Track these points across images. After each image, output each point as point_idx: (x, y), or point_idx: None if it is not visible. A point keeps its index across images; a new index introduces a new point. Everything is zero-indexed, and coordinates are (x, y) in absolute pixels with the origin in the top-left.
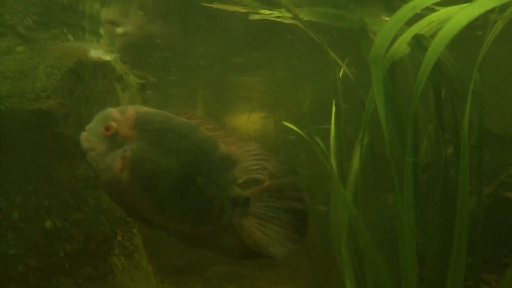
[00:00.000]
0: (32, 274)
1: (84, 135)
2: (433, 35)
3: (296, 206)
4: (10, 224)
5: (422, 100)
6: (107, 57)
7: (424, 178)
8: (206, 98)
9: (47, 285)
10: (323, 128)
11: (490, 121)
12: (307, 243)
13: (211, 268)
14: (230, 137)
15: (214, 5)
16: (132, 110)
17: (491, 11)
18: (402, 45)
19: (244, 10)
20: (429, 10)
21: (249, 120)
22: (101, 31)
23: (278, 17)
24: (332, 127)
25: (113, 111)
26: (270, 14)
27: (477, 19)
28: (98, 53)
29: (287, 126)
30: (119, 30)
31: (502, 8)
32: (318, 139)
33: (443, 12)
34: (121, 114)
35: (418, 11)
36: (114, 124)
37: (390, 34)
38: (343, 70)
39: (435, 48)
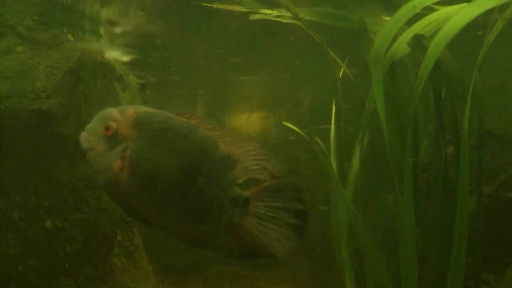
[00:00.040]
0: (32, 274)
1: (83, 135)
2: (433, 35)
3: (296, 206)
4: (10, 224)
5: (422, 100)
6: (124, 58)
7: (424, 178)
8: (206, 98)
9: (47, 285)
10: (323, 128)
11: (490, 121)
12: (307, 243)
13: (211, 268)
14: (230, 137)
15: (214, 5)
16: (132, 110)
17: (492, 11)
18: (402, 45)
19: (244, 10)
20: (430, 9)
21: (249, 120)
22: (101, 31)
23: (278, 16)
24: (332, 127)
25: (113, 111)
26: (270, 14)
27: (478, 18)
28: (114, 54)
29: (287, 126)
30: (118, 29)
31: (501, 8)
32: (318, 139)
33: (443, 12)
34: (121, 114)
35: (418, 11)
36: (113, 124)
37: (390, 34)
38: (344, 70)
39: (435, 48)
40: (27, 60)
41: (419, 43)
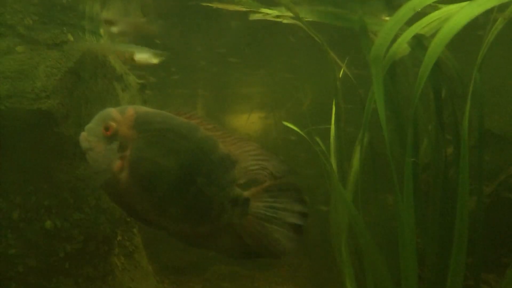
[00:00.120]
0: (32, 274)
1: (83, 135)
2: (433, 35)
3: (296, 207)
4: (10, 224)
5: (422, 100)
6: (154, 60)
7: (424, 178)
8: (206, 98)
9: (47, 285)
10: (323, 128)
11: (490, 121)
12: (307, 243)
13: (211, 268)
14: (230, 137)
15: (214, 5)
16: (131, 110)
17: (492, 10)
18: (402, 45)
19: (244, 9)
20: (431, 7)
21: (249, 120)
22: (101, 31)
23: (277, 17)
24: (332, 127)
25: (112, 111)
26: (270, 14)
27: (479, 18)
28: (144, 56)
29: (287, 126)
30: (115, 29)
31: (501, 8)
32: (318, 139)
33: (443, 11)
34: (120, 114)
35: (419, 10)
36: (113, 124)
37: (390, 34)
38: (344, 70)
39: (435, 48)
40: (27, 60)
41: (419, 43)
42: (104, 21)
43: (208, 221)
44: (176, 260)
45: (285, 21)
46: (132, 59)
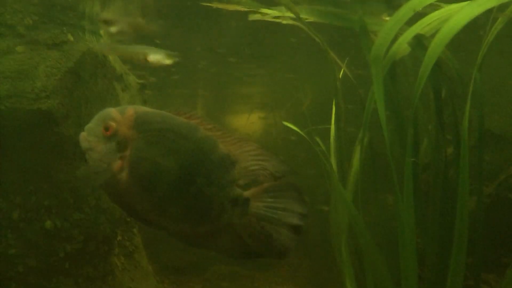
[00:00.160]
0: (32, 274)
1: (83, 135)
2: (434, 35)
3: (296, 207)
4: (10, 224)
5: (422, 100)
6: (167, 61)
7: (424, 178)
8: (206, 98)
9: (47, 285)
10: (323, 128)
11: (490, 121)
12: (307, 243)
13: (211, 268)
14: (230, 137)
15: (214, 5)
16: (131, 110)
17: (493, 10)
18: (402, 45)
19: (244, 9)
20: (431, 7)
21: (249, 120)
22: (101, 31)
23: (277, 17)
24: (332, 127)
25: (112, 111)
26: (269, 14)
27: (479, 18)
28: (157, 57)
29: (287, 126)
30: (113, 29)
31: (501, 8)
32: (318, 139)
33: (443, 11)
34: (120, 114)
35: (420, 9)
36: (113, 124)
37: (391, 34)
38: (344, 70)
39: (435, 48)
40: (27, 60)
41: (420, 43)
42: (102, 21)
43: (208, 221)
44: (176, 260)
45: (284, 21)
46: (146, 60)
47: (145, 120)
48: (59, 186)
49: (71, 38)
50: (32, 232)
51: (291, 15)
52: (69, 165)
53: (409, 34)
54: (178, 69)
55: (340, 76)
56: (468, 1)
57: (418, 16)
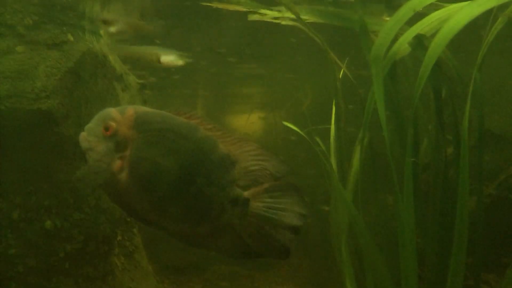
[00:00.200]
0: (32, 274)
1: (83, 135)
2: (434, 34)
3: (296, 207)
4: (10, 224)
5: (422, 100)
6: (179, 62)
7: (424, 178)
8: (206, 98)
9: (47, 285)
10: (323, 128)
11: (490, 121)
12: (307, 243)
13: (211, 268)
14: (230, 137)
15: (214, 4)
16: (131, 110)
17: (492, 11)
18: (402, 45)
19: (244, 9)
20: (431, 7)
21: (249, 120)
22: (101, 31)
23: (276, 18)
24: (332, 127)
25: (112, 111)
26: (269, 14)
27: (480, 18)
28: (169, 58)
29: (287, 126)
30: (112, 28)
31: (501, 8)
32: (318, 139)
33: (443, 11)
34: (120, 114)
35: (420, 9)
36: (113, 124)
37: (391, 34)
38: (344, 70)
39: (435, 48)
40: (27, 60)
41: (420, 43)
42: (101, 21)
43: (208, 221)
44: (176, 260)
45: (283, 22)
46: (158, 61)
47: (145, 120)
48: (59, 186)
49: (71, 38)
50: (32, 232)
51: (291, 15)
52: (69, 165)
53: (409, 34)
54: (178, 69)
55: (340, 76)
56: (468, 1)
57: (418, 16)
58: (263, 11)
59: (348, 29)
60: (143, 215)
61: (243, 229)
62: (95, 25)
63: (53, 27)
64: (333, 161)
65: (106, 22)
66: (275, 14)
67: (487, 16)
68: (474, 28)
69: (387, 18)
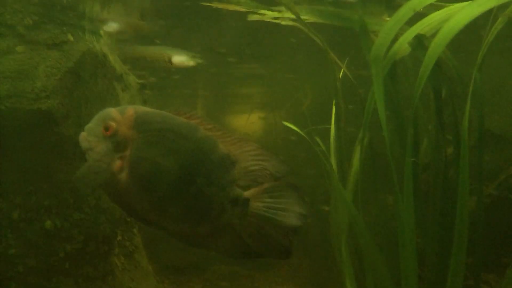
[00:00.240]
0: (32, 274)
1: (83, 135)
2: (434, 34)
3: (296, 207)
4: (10, 224)
5: (422, 100)
6: (190, 63)
7: (424, 178)
8: (206, 98)
9: (47, 285)
10: (323, 128)
11: (490, 121)
12: (307, 243)
13: (211, 268)
14: (230, 137)
15: (214, 4)
16: (131, 110)
17: (493, 11)
18: (403, 45)
19: (244, 10)
20: (431, 7)
21: (249, 120)
22: (101, 31)
23: (276, 18)
24: (332, 127)
25: (112, 111)
26: (269, 15)
27: (480, 18)
28: (181, 58)
29: (287, 126)
30: (109, 28)
31: (501, 8)
32: (318, 139)
33: (444, 11)
34: (120, 114)
35: (421, 9)
36: (113, 124)
37: (391, 34)
38: (345, 70)
39: (435, 48)
40: (27, 60)
41: (420, 43)
42: (97, 20)
43: (208, 221)
44: (176, 260)
45: (283, 22)
46: (170, 62)
47: (145, 120)
48: (59, 186)
49: (71, 38)
50: (32, 232)
51: (291, 15)
52: (69, 165)
53: (409, 34)
54: (178, 69)
55: (340, 76)
56: (469, 1)
57: (418, 16)
58: (263, 11)
59: (348, 29)
60: (143, 215)
61: (243, 229)
62: (95, 25)
63: (53, 27)
64: (333, 161)
65: (102, 21)
66: (275, 14)
67: (487, 16)
68: (475, 28)
69: (387, 18)
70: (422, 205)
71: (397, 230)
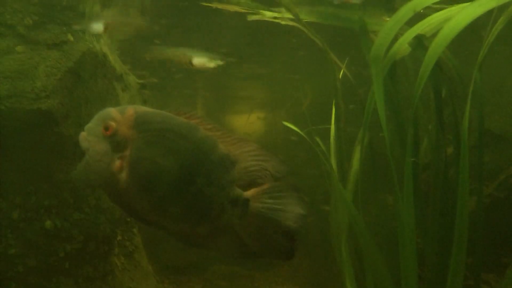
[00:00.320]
0: (32, 274)
1: (83, 134)
2: (434, 35)
3: (296, 208)
4: (10, 224)
5: (422, 100)
6: (211, 65)
7: (424, 178)
8: (206, 98)
9: (47, 285)
10: (323, 128)
11: (490, 121)
12: (307, 243)
13: (211, 268)
14: (230, 137)
15: (214, 5)
16: (131, 110)
17: (493, 11)
18: (403, 45)
19: (243, 11)
20: (431, 9)
21: (248, 120)
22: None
23: (275, 18)
24: (332, 127)
25: (112, 111)
26: (269, 15)
27: (481, 18)
28: (201, 60)
29: (287, 126)
30: (98, 28)
31: (501, 8)
32: (318, 139)
33: (444, 12)
34: (120, 114)
35: (421, 11)
36: (113, 124)
37: (390, 34)
38: (345, 70)
39: (436, 48)
40: (27, 60)
41: (420, 43)
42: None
43: (208, 221)
44: (176, 260)
45: (283, 22)
46: (190, 63)
47: (145, 120)
48: (59, 186)
49: (71, 38)
50: (32, 232)
51: (291, 16)
52: (69, 165)
53: (410, 34)
54: (178, 70)
55: (340, 76)
56: (469, 2)
57: (418, 16)
58: (263, 12)
59: (348, 29)
60: (143, 215)
61: (243, 230)
62: (86, 24)
63: (53, 27)
64: (333, 161)
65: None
66: (275, 15)
67: (488, 16)
68: (479, 27)
69: (387, 19)
70: (422, 205)
71: (397, 230)
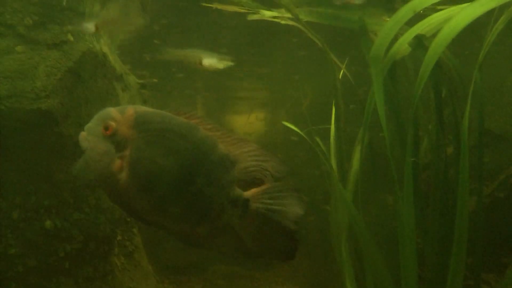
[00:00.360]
0: (32, 274)
1: (83, 134)
2: (434, 35)
3: (295, 208)
4: (10, 224)
5: (422, 100)
6: (221, 65)
7: (424, 178)
8: (206, 98)
9: (47, 285)
10: (323, 128)
11: (490, 121)
12: (307, 243)
13: (211, 268)
14: (230, 137)
15: (214, 5)
16: (131, 110)
17: (493, 11)
18: (403, 45)
19: (243, 11)
20: (431, 9)
21: (248, 120)
22: (101, 31)
23: (275, 17)
24: (332, 127)
25: (112, 111)
26: (269, 15)
27: (481, 18)
28: (211, 61)
29: (287, 126)
30: (91, 27)
31: (502, 9)
32: (318, 139)
33: (444, 12)
34: (120, 113)
35: (421, 11)
36: (113, 124)
37: (390, 34)
38: (345, 70)
39: (436, 48)
40: (27, 60)
41: (420, 43)
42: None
43: (208, 221)
44: (176, 260)
45: (283, 22)
46: (200, 64)
47: (145, 120)
48: (59, 186)
49: (71, 38)
50: (32, 232)
51: (291, 16)
52: (69, 165)
53: (410, 34)
54: (178, 70)
55: (340, 76)
56: (469, 2)
57: (418, 16)
58: (263, 12)
59: (349, 29)
60: (143, 215)
61: (243, 230)
62: (80, 24)
63: (53, 27)
64: (333, 161)
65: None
66: (275, 14)
67: (489, 16)
68: (479, 27)
69: (387, 19)
70: (422, 205)
71: (397, 230)
